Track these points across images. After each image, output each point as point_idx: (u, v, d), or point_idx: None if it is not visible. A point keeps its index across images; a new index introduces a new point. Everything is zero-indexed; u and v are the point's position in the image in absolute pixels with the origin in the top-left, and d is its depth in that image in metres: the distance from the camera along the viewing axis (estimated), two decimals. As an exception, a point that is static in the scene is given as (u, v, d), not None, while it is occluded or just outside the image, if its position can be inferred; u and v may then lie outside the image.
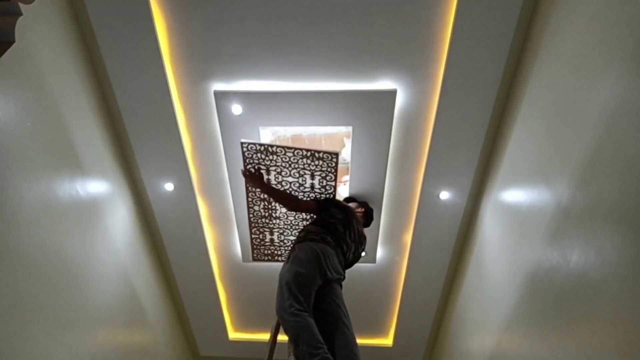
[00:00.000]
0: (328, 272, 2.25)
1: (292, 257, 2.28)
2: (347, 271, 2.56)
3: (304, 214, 2.98)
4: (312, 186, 2.86)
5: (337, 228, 2.49)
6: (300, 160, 2.73)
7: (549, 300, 1.89)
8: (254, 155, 2.72)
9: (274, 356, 2.12)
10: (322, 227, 2.49)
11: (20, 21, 1.53)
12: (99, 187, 2.64)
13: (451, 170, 2.93)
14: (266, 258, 3.33)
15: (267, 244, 3.24)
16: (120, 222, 2.91)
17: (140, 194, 3.18)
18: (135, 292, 3.08)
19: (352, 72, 2.58)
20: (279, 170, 2.78)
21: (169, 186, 3.11)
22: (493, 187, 2.79)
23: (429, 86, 2.61)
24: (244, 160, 2.74)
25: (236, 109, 2.72)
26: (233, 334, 4.22)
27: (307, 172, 2.78)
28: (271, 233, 3.17)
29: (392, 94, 2.63)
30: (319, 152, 2.68)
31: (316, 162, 2.73)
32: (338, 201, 2.75)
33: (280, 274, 2.24)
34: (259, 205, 3.00)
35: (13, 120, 1.89)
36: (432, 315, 3.84)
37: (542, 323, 1.95)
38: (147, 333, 3.32)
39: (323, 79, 2.62)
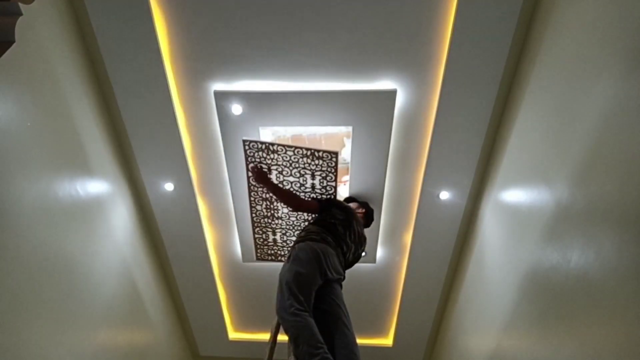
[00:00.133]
0: (328, 272, 2.25)
1: (293, 257, 2.28)
2: (347, 271, 2.56)
3: (305, 214, 2.98)
4: (313, 186, 2.86)
5: (338, 229, 2.50)
6: (300, 160, 2.73)
7: (549, 300, 1.89)
8: (256, 154, 2.73)
9: (274, 356, 2.12)
10: (322, 227, 2.49)
11: (20, 21, 1.53)
12: (99, 187, 2.64)
13: (451, 170, 2.93)
14: (270, 258, 3.34)
15: (270, 243, 3.25)
16: (120, 222, 2.91)
17: (140, 194, 3.18)
18: (135, 292, 3.08)
19: (352, 72, 2.58)
20: (280, 169, 2.79)
21: (169, 186, 3.11)
22: (493, 187, 2.79)
23: (429, 86, 2.61)
24: (246, 159, 2.75)
25: (236, 109, 2.72)
26: (233, 334, 4.22)
27: (307, 171, 2.79)
28: (274, 233, 3.18)
29: (392, 94, 2.63)
30: (318, 151, 2.70)
31: (316, 162, 2.73)
32: (339, 202, 2.76)
33: (281, 274, 2.24)
34: (261, 205, 3.01)
35: (13, 120, 1.89)
36: (432, 315, 3.84)
37: (542, 323, 1.95)
38: (147, 333, 3.32)
39: (323, 79, 2.62)
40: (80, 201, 2.42)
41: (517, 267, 2.29)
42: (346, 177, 3.13)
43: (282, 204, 2.93)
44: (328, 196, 2.90)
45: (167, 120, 2.78)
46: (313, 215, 2.85)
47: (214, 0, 2.35)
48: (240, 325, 4.17)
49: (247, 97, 2.68)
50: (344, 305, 2.24)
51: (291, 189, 2.87)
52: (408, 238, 3.35)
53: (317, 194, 2.91)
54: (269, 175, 2.81)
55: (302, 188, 2.88)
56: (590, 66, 1.75)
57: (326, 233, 2.45)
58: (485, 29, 2.35)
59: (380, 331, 4.11)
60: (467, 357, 3.10)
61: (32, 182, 2.00)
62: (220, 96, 2.69)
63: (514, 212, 2.44)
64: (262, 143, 2.70)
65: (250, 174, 2.83)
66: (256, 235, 3.19)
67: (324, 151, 2.70)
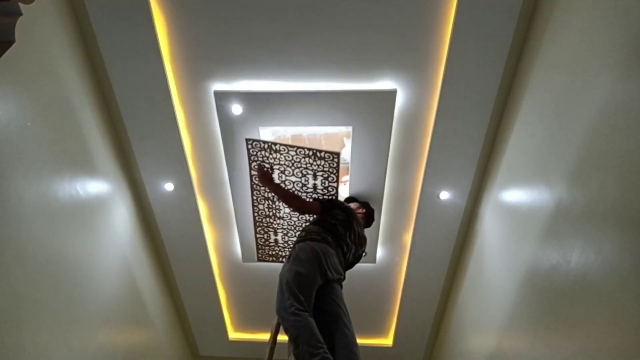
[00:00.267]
0: (328, 272, 2.25)
1: (293, 257, 2.28)
2: (347, 271, 2.56)
3: (307, 214, 2.98)
4: (315, 187, 2.87)
5: (338, 229, 2.50)
6: (302, 160, 2.74)
7: (549, 300, 1.89)
8: (258, 153, 2.74)
9: (274, 356, 2.12)
10: (322, 227, 2.49)
11: (20, 21, 1.53)
12: (99, 187, 2.64)
13: (451, 170, 2.93)
14: (271, 259, 3.34)
15: (272, 244, 3.25)
16: (120, 222, 2.91)
17: (140, 194, 3.18)
18: (135, 292, 3.08)
19: (352, 72, 2.58)
20: (282, 169, 2.79)
21: (169, 186, 3.11)
22: (493, 187, 2.79)
23: (429, 86, 2.61)
24: (249, 158, 2.76)
25: (236, 109, 2.72)
26: (233, 334, 4.22)
27: (309, 172, 2.79)
28: (275, 233, 3.18)
29: (392, 94, 2.63)
30: (320, 151, 2.70)
31: (318, 162, 2.74)
32: (341, 202, 2.76)
33: (281, 274, 2.24)
34: (263, 204, 3.02)
35: (13, 119, 1.89)
36: (432, 315, 3.84)
37: (542, 323, 1.95)
38: (147, 333, 3.32)
39: (323, 79, 2.62)
40: (80, 201, 2.42)
41: (517, 267, 2.29)
42: (346, 177, 3.13)
43: (284, 204, 2.93)
44: (329, 196, 2.90)
45: (167, 120, 2.78)
46: (314, 215, 2.85)
47: (214, 0, 2.35)
48: (240, 325, 4.17)
49: (247, 97, 2.68)
50: (344, 306, 2.24)
51: (293, 189, 2.87)
52: (408, 238, 3.35)
53: (318, 195, 2.91)
54: (272, 175, 2.81)
55: (304, 188, 2.88)
56: (589, 66, 1.75)
57: (326, 233, 2.45)
58: (485, 29, 2.35)
59: (380, 331, 4.11)
60: (467, 357, 3.10)
61: (32, 182, 2.00)
62: (220, 96, 2.69)
63: (514, 212, 2.44)
64: (264, 142, 2.70)
65: (254, 172, 2.83)
66: (258, 235, 3.19)
67: (326, 152, 2.71)
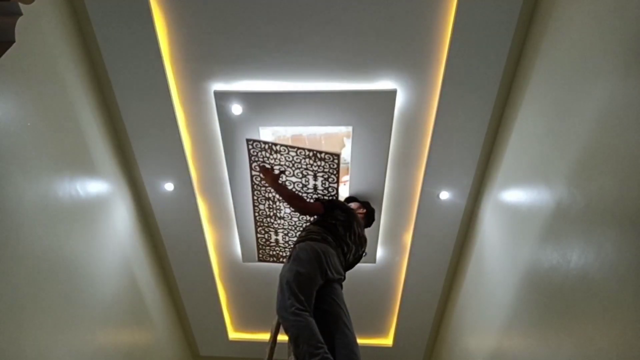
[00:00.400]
0: (329, 272, 2.25)
1: (293, 257, 2.28)
2: (347, 272, 2.56)
3: (308, 215, 2.98)
4: (315, 187, 2.87)
5: (338, 229, 2.50)
6: (303, 160, 2.74)
7: (549, 300, 1.89)
8: (259, 154, 2.74)
9: (274, 356, 2.12)
10: (323, 227, 2.50)
11: (20, 21, 1.53)
12: (99, 187, 2.64)
13: (451, 170, 2.93)
14: (271, 259, 3.34)
15: (272, 244, 3.25)
16: (120, 222, 2.91)
17: (140, 194, 3.18)
18: (135, 292, 3.08)
19: (352, 72, 2.58)
20: (282, 169, 2.79)
21: (169, 186, 3.11)
22: (493, 187, 2.79)
23: (429, 86, 2.61)
24: (250, 158, 2.76)
25: (236, 109, 2.72)
26: (233, 334, 4.22)
27: (310, 172, 2.80)
28: (276, 233, 3.18)
29: (392, 94, 2.63)
30: (321, 152, 2.71)
31: (318, 163, 2.74)
32: (342, 203, 2.76)
33: (281, 273, 2.24)
34: (264, 204, 3.02)
35: (13, 120, 1.89)
36: (432, 315, 3.84)
37: (542, 323, 1.95)
38: (147, 333, 3.32)
39: (323, 79, 2.62)
40: (80, 201, 2.42)
41: (517, 267, 2.29)
42: (346, 177, 3.13)
43: (287, 205, 2.93)
44: (330, 197, 2.90)
45: (167, 120, 2.78)
46: (314, 216, 2.85)
47: (214, 0, 2.35)
48: (240, 325, 4.17)
49: (247, 97, 2.68)
50: (345, 306, 2.24)
51: (293, 190, 2.88)
52: (408, 238, 3.35)
53: (319, 195, 2.91)
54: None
55: (304, 189, 2.89)
56: (589, 66, 1.75)
57: (327, 233, 2.45)
58: (485, 29, 2.35)
59: (380, 331, 4.11)
60: (467, 357, 3.10)
61: (32, 182, 2.00)
62: (220, 96, 2.69)
63: (514, 212, 2.44)
64: (265, 143, 2.70)
65: (257, 171, 2.83)
66: (258, 235, 3.19)
67: (327, 153, 2.71)
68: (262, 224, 3.13)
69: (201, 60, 2.58)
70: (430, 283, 3.60)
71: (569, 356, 1.69)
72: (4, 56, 1.52)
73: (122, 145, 2.94)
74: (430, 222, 3.21)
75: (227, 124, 2.80)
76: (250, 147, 2.72)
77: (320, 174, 2.80)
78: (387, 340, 4.17)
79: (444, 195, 3.05)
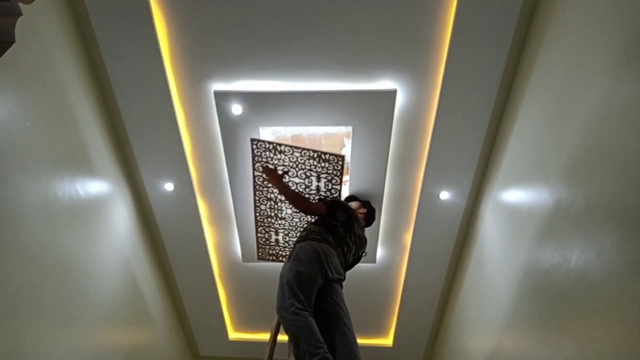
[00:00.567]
0: (329, 272, 2.25)
1: (293, 256, 2.28)
2: (347, 272, 2.56)
3: (311, 215, 2.98)
4: (318, 188, 2.87)
5: (339, 230, 2.50)
6: (307, 161, 2.74)
7: (549, 300, 1.89)
8: (263, 154, 2.74)
9: (274, 356, 2.12)
10: (323, 227, 2.50)
11: (20, 21, 1.53)
12: (99, 187, 2.64)
13: (451, 170, 2.93)
14: (271, 258, 3.34)
15: (272, 244, 3.25)
16: (120, 222, 2.91)
17: (140, 194, 3.18)
18: (135, 292, 3.08)
19: (352, 72, 2.58)
20: (286, 169, 2.79)
21: (169, 186, 3.11)
22: (493, 187, 2.79)
23: (429, 86, 2.61)
24: (253, 158, 2.75)
25: (236, 109, 2.72)
26: (233, 334, 4.22)
27: (313, 173, 2.79)
28: (276, 233, 3.18)
29: (392, 94, 2.63)
30: (325, 153, 2.71)
31: (322, 164, 2.74)
32: (344, 204, 2.76)
33: (281, 273, 2.24)
34: (265, 205, 3.01)
35: (13, 120, 1.89)
36: (432, 315, 3.84)
37: (542, 323, 1.95)
38: (147, 333, 3.32)
39: (323, 79, 2.62)
40: (80, 201, 2.42)
41: (517, 267, 2.29)
42: (346, 177, 3.13)
43: (290, 205, 2.92)
44: (332, 198, 2.90)
45: (167, 120, 2.78)
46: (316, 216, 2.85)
47: (214, 0, 2.35)
48: (240, 325, 4.17)
49: (247, 97, 2.68)
50: (345, 305, 2.24)
51: (296, 190, 2.87)
52: (408, 238, 3.35)
53: (321, 196, 2.91)
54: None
55: (307, 190, 2.89)
56: (589, 66, 1.75)
57: (327, 233, 2.45)
58: (485, 29, 2.36)
59: (380, 331, 4.11)
60: (467, 357, 3.10)
61: (32, 182, 2.00)
62: (220, 96, 2.69)
63: (514, 212, 2.44)
64: (270, 143, 2.70)
65: (258, 173, 2.83)
66: (259, 235, 3.19)
67: (331, 154, 2.71)
68: (262, 224, 3.13)
69: (201, 60, 2.58)
70: (430, 283, 3.60)
71: (569, 356, 1.69)
72: (4, 56, 1.52)
73: (122, 145, 2.94)
74: (430, 222, 3.21)
75: (227, 124, 2.80)
76: (254, 146, 2.72)
77: (324, 175, 2.80)
78: (387, 340, 4.17)
79: (444, 195, 3.05)
